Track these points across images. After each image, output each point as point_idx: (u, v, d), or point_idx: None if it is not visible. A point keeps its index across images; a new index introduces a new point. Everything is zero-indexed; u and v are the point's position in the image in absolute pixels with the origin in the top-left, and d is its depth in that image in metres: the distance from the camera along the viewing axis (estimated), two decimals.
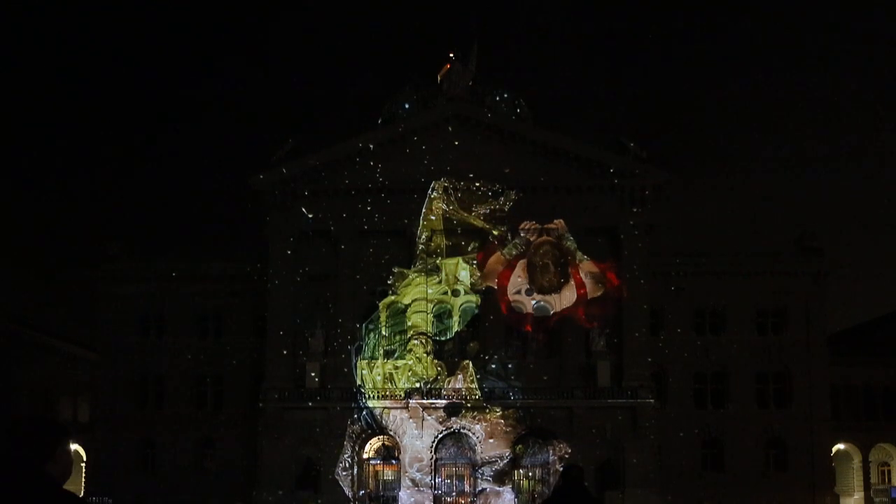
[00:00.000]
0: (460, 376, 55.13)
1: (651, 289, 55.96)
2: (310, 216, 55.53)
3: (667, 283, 58.29)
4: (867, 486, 61.59)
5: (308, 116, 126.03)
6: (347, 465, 54.19)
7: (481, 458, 54.29)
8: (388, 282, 55.51)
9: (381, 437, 56.06)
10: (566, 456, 52.52)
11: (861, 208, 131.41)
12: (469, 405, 54.08)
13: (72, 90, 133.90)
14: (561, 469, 46.56)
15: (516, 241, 54.63)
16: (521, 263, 55.30)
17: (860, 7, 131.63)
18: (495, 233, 54.46)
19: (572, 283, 54.82)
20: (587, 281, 54.77)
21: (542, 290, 55.00)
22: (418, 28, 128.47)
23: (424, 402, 54.16)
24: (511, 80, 70.13)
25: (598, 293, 54.53)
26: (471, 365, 55.57)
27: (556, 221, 54.93)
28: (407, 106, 62.73)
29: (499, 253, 54.43)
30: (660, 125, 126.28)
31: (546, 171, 55.67)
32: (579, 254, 54.95)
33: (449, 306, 56.93)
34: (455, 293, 56.93)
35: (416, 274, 55.51)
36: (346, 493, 53.56)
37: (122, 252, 61.84)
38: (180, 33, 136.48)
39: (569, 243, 55.00)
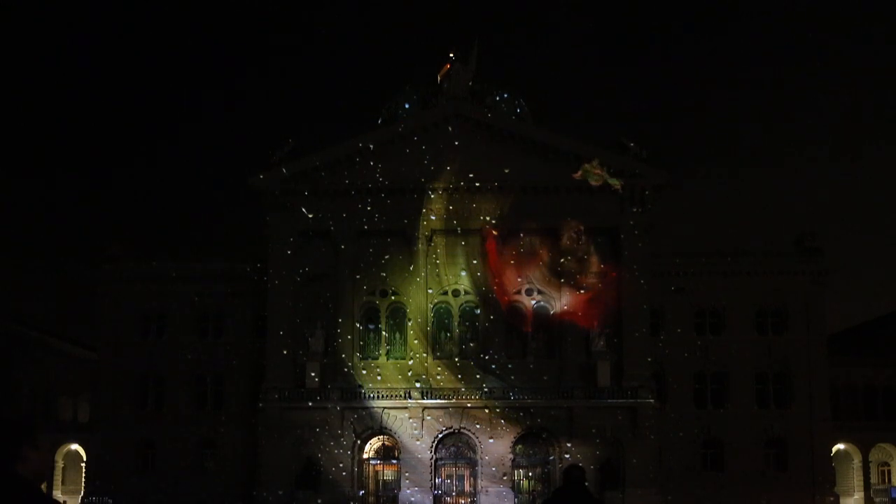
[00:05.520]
0: (461, 376, 55.22)
1: (651, 289, 55.94)
2: (310, 216, 55.51)
3: (667, 283, 58.27)
4: (867, 486, 61.53)
5: (308, 116, 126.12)
6: (347, 465, 54.21)
7: (481, 458, 54.29)
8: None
9: (381, 437, 56.07)
10: (566, 456, 52.53)
11: (861, 208, 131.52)
12: (469, 405, 54.10)
13: (73, 90, 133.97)
14: (562, 469, 46.67)
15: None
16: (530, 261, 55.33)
17: (860, 7, 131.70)
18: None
19: (577, 283, 54.88)
20: (590, 280, 54.82)
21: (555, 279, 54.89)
22: (418, 28, 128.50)
23: (424, 402, 54.17)
24: (511, 80, 70.11)
25: (597, 287, 54.53)
26: (471, 365, 55.64)
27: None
28: (407, 106, 62.75)
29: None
30: (660, 125, 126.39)
31: (546, 171, 55.65)
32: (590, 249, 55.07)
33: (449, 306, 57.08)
34: (455, 293, 56.97)
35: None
36: (346, 492, 53.59)
37: (122, 252, 61.82)
38: (181, 34, 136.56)
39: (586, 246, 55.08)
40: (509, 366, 55.38)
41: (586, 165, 41.48)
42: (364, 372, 55.74)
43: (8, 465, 4.31)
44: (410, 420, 54.27)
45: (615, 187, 45.81)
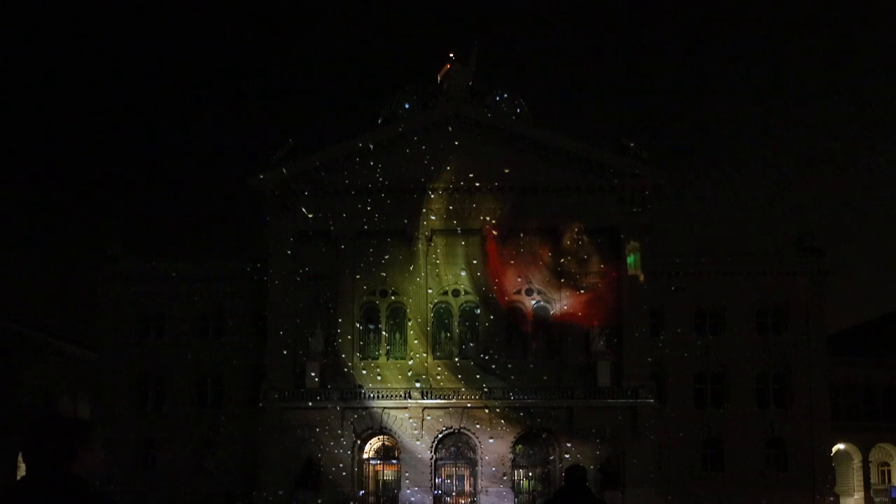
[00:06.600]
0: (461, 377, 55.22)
1: (651, 289, 55.90)
2: (310, 216, 55.51)
3: (667, 283, 58.24)
4: (867, 486, 61.56)
5: (308, 116, 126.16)
6: (347, 465, 54.21)
7: (481, 458, 54.27)
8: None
9: (381, 437, 56.05)
10: (566, 456, 52.50)
11: (861, 208, 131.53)
12: (469, 405, 54.09)
13: (73, 90, 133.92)
14: (563, 469, 46.69)
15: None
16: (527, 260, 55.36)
17: (860, 8, 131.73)
18: None
19: (577, 283, 54.93)
20: (590, 280, 54.86)
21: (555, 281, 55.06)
22: (418, 28, 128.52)
23: (424, 402, 54.16)
24: (511, 80, 70.13)
25: (598, 287, 54.59)
26: (471, 365, 55.62)
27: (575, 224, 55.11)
28: (407, 106, 62.73)
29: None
30: (660, 125, 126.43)
31: (546, 171, 55.65)
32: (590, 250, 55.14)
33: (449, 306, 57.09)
34: (455, 293, 56.96)
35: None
36: (346, 492, 53.58)
37: (122, 252, 61.80)
38: (181, 34, 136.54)
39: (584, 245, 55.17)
40: (509, 366, 55.34)
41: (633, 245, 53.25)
42: (364, 372, 55.72)
43: (63, 465, 4.35)
44: (410, 420, 54.26)
45: (638, 275, 54.39)
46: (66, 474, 4.34)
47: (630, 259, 54.61)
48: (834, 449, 61.01)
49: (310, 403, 54.14)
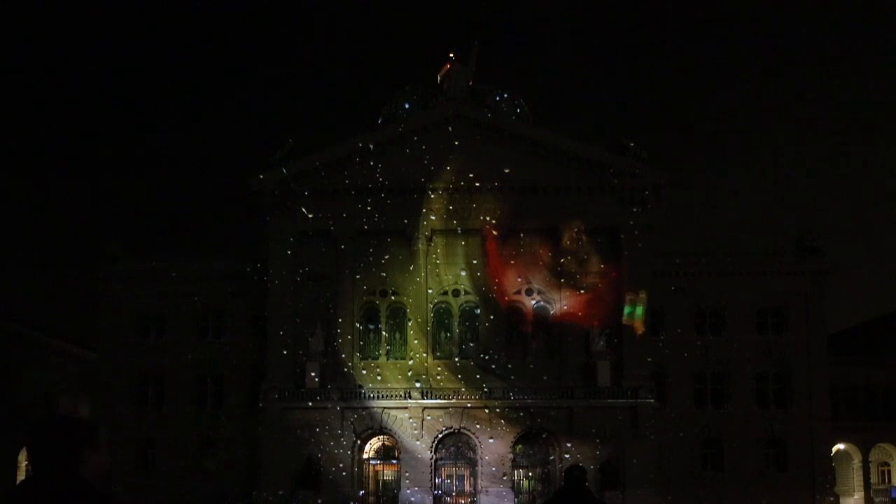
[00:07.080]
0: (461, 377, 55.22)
1: (651, 289, 55.84)
2: (310, 216, 55.52)
3: (667, 283, 58.22)
4: (867, 486, 61.56)
5: (308, 116, 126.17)
6: (347, 465, 54.21)
7: (481, 458, 54.28)
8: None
9: (381, 437, 56.06)
10: (566, 456, 52.50)
11: (861, 208, 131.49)
12: (469, 405, 54.10)
13: (72, 90, 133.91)
14: (563, 469, 46.71)
15: None
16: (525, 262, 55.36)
17: (861, 7, 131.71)
18: None
19: (577, 282, 54.91)
20: (590, 280, 54.84)
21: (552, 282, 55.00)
22: (418, 28, 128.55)
23: (424, 402, 54.16)
24: (511, 80, 70.10)
25: (598, 287, 54.56)
26: (471, 365, 55.63)
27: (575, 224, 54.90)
28: (407, 106, 62.73)
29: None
30: (660, 125, 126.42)
31: (546, 171, 55.67)
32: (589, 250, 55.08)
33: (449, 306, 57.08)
34: (455, 293, 56.96)
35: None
36: (346, 492, 53.57)
37: (122, 252, 61.80)
38: (181, 34, 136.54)
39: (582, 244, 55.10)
40: (509, 366, 55.35)
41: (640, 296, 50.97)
42: (364, 372, 55.73)
43: (69, 467, 4.34)
44: (410, 420, 54.26)
45: (637, 327, 51.60)
46: (72, 476, 4.32)
47: (636, 310, 51.37)
48: (834, 449, 61.02)
49: (310, 403, 54.15)
